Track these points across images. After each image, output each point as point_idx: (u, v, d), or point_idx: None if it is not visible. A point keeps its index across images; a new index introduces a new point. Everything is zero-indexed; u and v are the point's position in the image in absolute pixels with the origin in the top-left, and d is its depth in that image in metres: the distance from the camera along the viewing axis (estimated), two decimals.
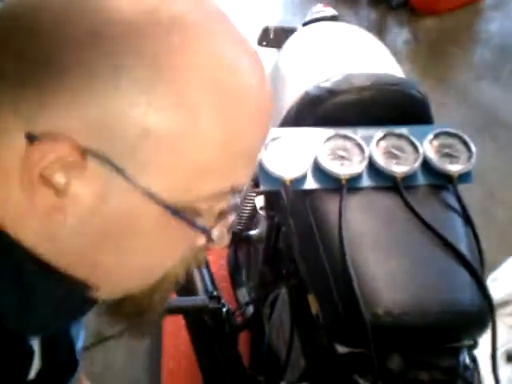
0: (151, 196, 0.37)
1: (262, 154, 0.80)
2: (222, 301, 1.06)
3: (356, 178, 0.80)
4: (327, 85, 0.86)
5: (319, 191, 0.80)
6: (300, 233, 0.81)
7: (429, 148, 0.83)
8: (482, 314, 0.72)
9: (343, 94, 0.84)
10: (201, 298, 1.08)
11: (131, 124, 0.35)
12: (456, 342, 0.72)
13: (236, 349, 1.09)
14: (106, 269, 0.42)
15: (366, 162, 0.81)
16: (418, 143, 0.83)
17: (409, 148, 0.83)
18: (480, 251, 0.80)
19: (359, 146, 0.82)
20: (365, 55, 1.00)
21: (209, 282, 1.16)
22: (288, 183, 0.79)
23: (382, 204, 0.79)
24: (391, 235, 0.76)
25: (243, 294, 1.28)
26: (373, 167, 0.82)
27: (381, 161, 0.81)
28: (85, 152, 0.35)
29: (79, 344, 0.55)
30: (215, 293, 1.07)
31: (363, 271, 0.71)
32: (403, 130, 0.85)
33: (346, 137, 0.83)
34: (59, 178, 0.35)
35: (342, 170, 0.80)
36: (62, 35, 0.35)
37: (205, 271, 1.16)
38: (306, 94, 0.88)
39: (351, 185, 0.80)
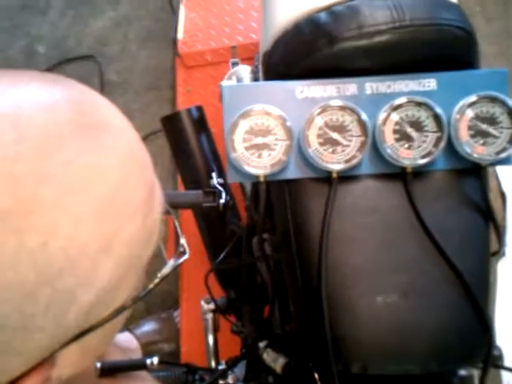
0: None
1: (229, 140, 0.60)
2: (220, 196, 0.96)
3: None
4: (325, 21, 0.59)
5: (303, 181, 0.63)
6: (279, 230, 0.66)
7: (458, 122, 0.61)
8: (477, 355, 0.62)
9: (347, 40, 0.59)
10: (195, 193, 0.97)
11: None
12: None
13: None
14: None
15: (367, 147, 0.60)
16: (443, 116, 0.60)
17: (430, 123, 0.61)
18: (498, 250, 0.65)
19: (361, 123, 0.60)
20: None
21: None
22: (262, 179, 0.61)
23: (381, 203, 0.61)
24: (384, 256, 0.60)
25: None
26: (376, 151, 0.61)
27: (387, 146, 0.60)
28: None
29: None
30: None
31: (340, 312, 0.59)
32: (431, 84, 0.61)
33: (344, 108, 0.60)
34: None
35: (335, 160, 0.60)
36: None
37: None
38: (297, 30, 0.62)
39: (345, 173, 0.62)
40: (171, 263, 0.46)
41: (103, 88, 1.76)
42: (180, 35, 1.60)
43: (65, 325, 0.35)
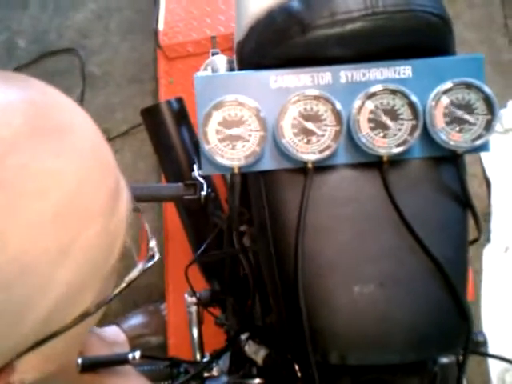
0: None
1: (202, 132, 0.60)
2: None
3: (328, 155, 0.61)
4: (297, 9, 0.58)
5: (278, 172, 0.62)
6: (256, 222, 0.65)
7: (433, 110, 0.60)
8: (456, 344, 0.61)
9: (320, 28, 0.58)
10: (176, 186, 0.96)
11: None
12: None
13: None
14: None
15: (342, 137, 0.60)
16: (418, 104, 0.60)
17: (406, 111, 0.60)
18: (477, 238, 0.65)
19: (336, 112, 0.60)
20: None
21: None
22: (236, 170, 0.61)
23: (358, 192, 0.61)
24: (361, 246, 0.60)
25: None
26: (352, 140, 0.61)
27: (362, 135, 0.60)
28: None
29: None
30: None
31: (317, 303, 0.59)
32: (406, 71, 0.61)
33: (319, 98, 0.60)
34: None
35: (309, 150, 0.60)
36: None
37: None
38: (269, 18, 0.61)
39: (320, 163, 0.61)
40: (139, 267, 0.45)
41: (85, 81, 1.74)
42: (161, 26, 1.58)
43: (21, 333, 0.34)
